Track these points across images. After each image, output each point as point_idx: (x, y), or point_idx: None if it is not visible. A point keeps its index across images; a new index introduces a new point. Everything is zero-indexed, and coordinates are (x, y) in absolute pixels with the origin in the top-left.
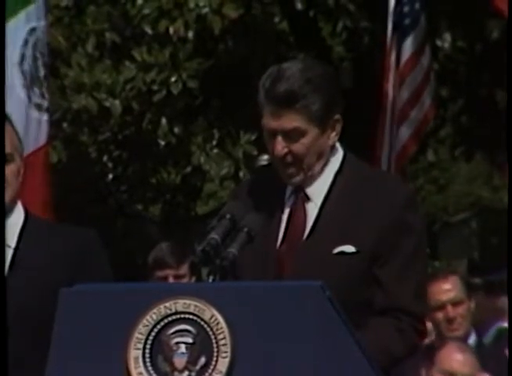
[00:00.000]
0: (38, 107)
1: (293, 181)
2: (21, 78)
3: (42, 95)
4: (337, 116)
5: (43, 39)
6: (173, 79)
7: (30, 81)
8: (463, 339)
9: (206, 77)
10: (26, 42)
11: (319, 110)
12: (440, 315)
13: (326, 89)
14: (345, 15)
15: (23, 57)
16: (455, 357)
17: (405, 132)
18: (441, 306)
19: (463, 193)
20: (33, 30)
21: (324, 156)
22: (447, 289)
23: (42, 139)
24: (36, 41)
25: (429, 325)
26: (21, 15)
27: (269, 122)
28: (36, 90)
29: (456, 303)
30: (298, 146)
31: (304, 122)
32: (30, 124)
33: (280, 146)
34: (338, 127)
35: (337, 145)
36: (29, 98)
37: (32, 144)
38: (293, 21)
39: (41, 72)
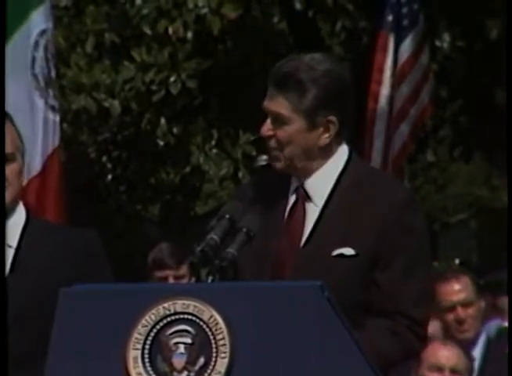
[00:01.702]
0: (53, 109)
1: (274, 165)
2: (33, 81)
3: (55, 97)
4: (332, 117)
5: (52, 40)
6: (172, 79)
7: (45, 83)
8: (473, 340)
9: (205, 78)
10: (36, 45)
11: (310, 103)
12: (450, 316)
13: (326, 86)
14: (344, 15)
15: (33, 60)
16: (441, 352)
17: (404, 130)
18: (452, 307)
19: (462, 194)
20: (43, 32)
21: (311, 153)
22: (458, 290)
23: (57, 139)
24: (47, 43)
25: (436, 327)
26: (32, 17)
27: (265, 102)
28: (50, 92)
29: (466, 304)
30: (281, 133)
31: (290, 111)
32: (48, 126)
33: (267, 127)
34: (332, 129)
35: (344, 145)
36: (45, 100)
37: (50, 146)
38: (292, 21)
39: (53, 73)
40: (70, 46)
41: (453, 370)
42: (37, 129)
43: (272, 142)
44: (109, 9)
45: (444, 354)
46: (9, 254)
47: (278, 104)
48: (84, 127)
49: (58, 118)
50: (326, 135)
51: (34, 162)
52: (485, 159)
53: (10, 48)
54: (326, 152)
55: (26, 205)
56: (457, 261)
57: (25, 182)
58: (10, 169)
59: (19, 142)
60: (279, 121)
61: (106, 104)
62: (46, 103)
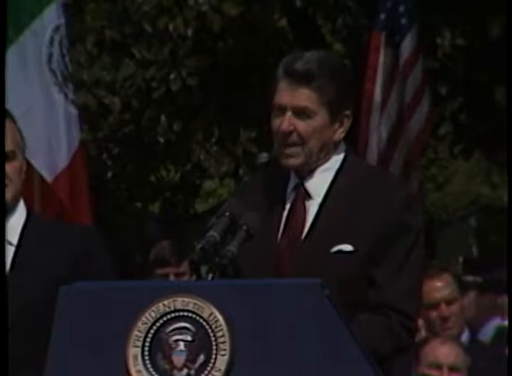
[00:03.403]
0: (74, 103)
1: (291, 162)
2: (51, 77)
3: (74, 91)
4: (348, 112)
5: (66, 36)
6: (172, 76)
7: (63, 79)
8: (457, 337)
9: (205, 75)
10: (51, 41)
11: (333, 95)
12: (434, 313)
13: (342, 79)
14: (345, 12)
15: (50, 56)
16: (439, 350)
17: (414, 127)
18: (435, 304)
19: (462, 191)
20: (57, 28)
21: (327, 148)
22: (440, 287)
23: (78, 134)
24: (61, 39)
25: (419, 323)
26: (45, 14)
27: (282, 97)
28: (70, 86)
29: (449, 301)
30: (304, 127)
31: (316, 103)
32: (71, 120)
33: (287, 122)
34: (346, 123)
35: (342, 143)
36: (65, 95)
37: (76, 140)
38: (293, 18)
39: (70, 68)
40: (71, 43)
41: (452, 368)
42: (59, 125)
43: (293, 138)
44: (110, 6)
45: (442, 352)
46: (10, 251)
47: (303, 97)
48: (84, 124)
49: (76, 112)
50: (341, 129)
51: (60, 158)
52: (485, 157)
53: (23, 46)
54: (336, 148)
55: (59, 203)
56: (460, 259)
57: (51, 178)
58: (11, 167)
59: (19, 139)
60: (303, 114)
61: (107, 101)
62: (66, 97)
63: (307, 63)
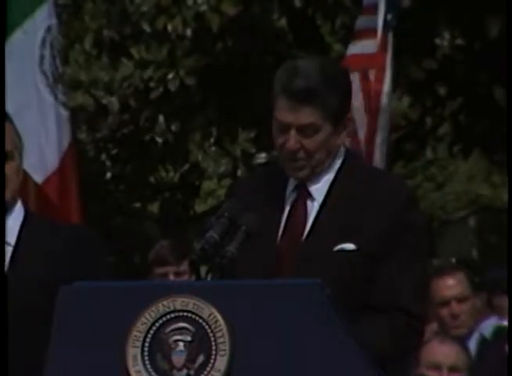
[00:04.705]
0: (64, 105)
1: (299, 175)
2: (43, 78)
3: (64, 93)
4: (349, 114)
5: (57, 37)
6: (170, 76)
7: (54, 80)
8: (467, 336)
9: (204, 75)
10: (43, 42)
11: (335, 107)
12: (444, 311)
13: (341, 87)
14: (344, 12)
15: (42, 57)
16: (438, 350)
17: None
18: (446, 302)
19: (462, 191)
20: (49, 29)
21: (333, 154)
22: (452, 285)
23: (69, 135)
24: (52, 40)
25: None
26: (36, 14)
27: (285, 115)
28: (60, 88)
29: (461, 299)
30: (311, 143)
31: (320, 118)
32: (62, 122)
33: (293, 140)
34: (348, 125)
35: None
36: (55, 96)
37: (66, 142)
38: (292, 19)
39: (60, 70)
40: (69, 43)
41: (452, 368)
42: (50, 126)
43: (299, 154)
44: (108, 6)
45: (442, 352)
46: (8, 251)
47: (307, 115)
48: (82, 124)
49: (67, 114)
50: (345, 132)
51: (51, 159)
52: (485, 156)
53: (14, 46)
54: (340, 149)
55: (49, 203)
56: (453, 259)
57: (43, 179)
58: (9, 167)
59: (17, 140)
60: (308, 131)
61: (105, 101)
62: (56, 99)
63: (306, 80)
